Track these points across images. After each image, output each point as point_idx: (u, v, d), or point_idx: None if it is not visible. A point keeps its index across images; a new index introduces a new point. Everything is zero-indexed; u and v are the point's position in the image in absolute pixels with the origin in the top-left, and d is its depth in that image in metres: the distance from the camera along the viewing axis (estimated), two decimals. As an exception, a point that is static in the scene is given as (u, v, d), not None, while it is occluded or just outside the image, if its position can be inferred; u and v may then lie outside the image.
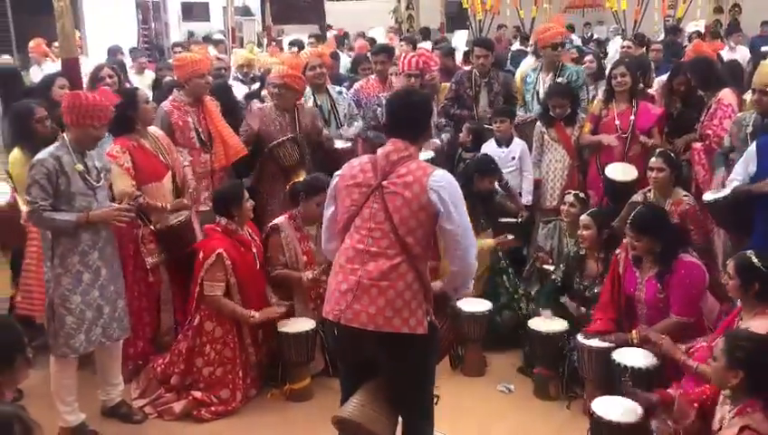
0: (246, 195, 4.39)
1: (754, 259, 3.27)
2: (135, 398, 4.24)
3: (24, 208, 3.92)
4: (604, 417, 3.30)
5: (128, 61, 10.00)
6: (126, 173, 4.25)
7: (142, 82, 8.61)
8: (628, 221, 3.97)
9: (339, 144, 5.60)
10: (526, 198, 5.67)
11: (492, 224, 5.18)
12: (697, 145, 5.00)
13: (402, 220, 2.80)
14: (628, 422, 3.25)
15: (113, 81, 5.67)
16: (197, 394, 4.16)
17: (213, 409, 4.12)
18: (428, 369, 3.02)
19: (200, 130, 4.96)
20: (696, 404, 3.05)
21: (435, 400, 3.12)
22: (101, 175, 3.84)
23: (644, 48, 8.79)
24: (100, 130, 3.77)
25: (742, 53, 9.27)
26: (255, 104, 5.48)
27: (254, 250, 4.38)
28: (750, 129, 4.38)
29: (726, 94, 5.04)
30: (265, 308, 4.32)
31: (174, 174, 4.54)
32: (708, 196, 4.31)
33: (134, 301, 4.32)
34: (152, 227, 4.36)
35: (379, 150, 2.97)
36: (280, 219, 4.56)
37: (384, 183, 2.86)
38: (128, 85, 6.46)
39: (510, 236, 5.05)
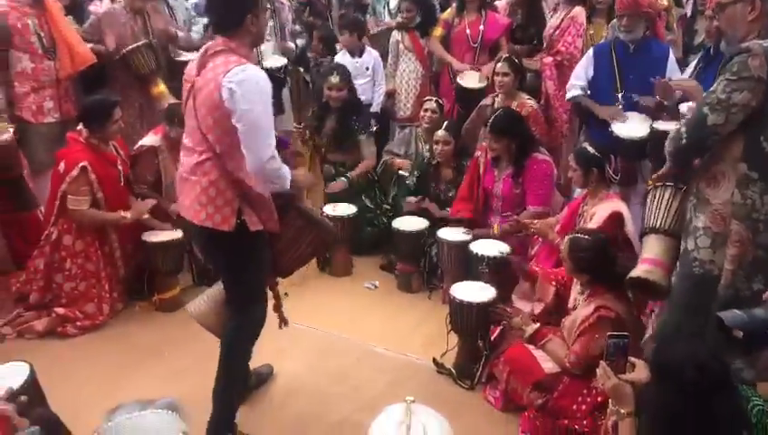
0: (117, 115, 4.11)
1: (589, 148, 3.71)
2: (-12, 320, 4.03)
3: None
4: (463, 299, 3.59)
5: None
6: None
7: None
8: (489, 124, 4.29)
9: (185, 57, 5.20)
10: (376, 108, 5.78)
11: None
12: (548, 59, 5.16)
13: (202, 117, 2.77)
14: (482, 301, 3.56)
15: None
16: (60, 310, 4.03)
17: (79, 324, 4.02)
18: (242, 266, 2.97)
19: (42, 34, 4.54)
20: (553, 282, 3.45)
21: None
22: None
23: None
24: None
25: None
26: (98, 6, 5.07)
27: (120, 167, 4.22)
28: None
29: (579, 13, 5.12)
30: (134, 207, 4.20)
31: None
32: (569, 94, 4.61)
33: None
34: None
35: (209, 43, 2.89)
36: (156, 140, 4.37)
37: (197, 78, 2.82)
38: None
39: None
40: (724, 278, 2.65)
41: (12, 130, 4.17)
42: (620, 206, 3.53)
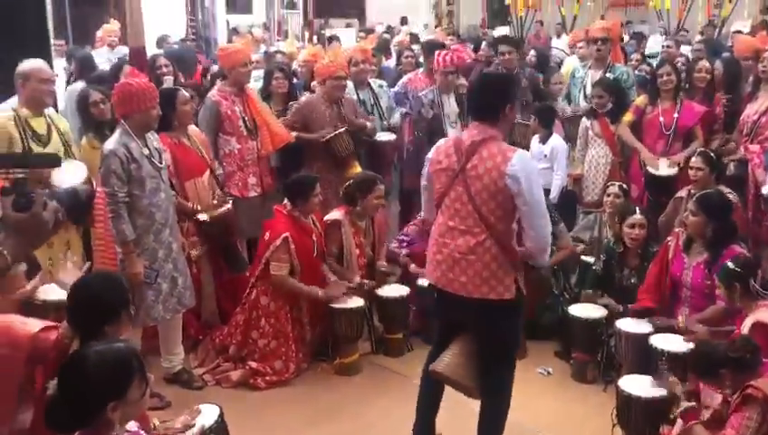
0: (317, 190, 4.57)
1: (730, 264, 3.54)
2: (195, 367, 4.51)
3: (98, 189, 4.10)
4: (631, 393, 3.48)
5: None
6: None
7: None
8: (694, 198, 4.19)
9: (382, 136, 5.80)
10: (553, 196, 5.75)
11: None
12: (755, 147, 4.93)
13: (483, 202, 3.11)
14: (653, 397, 3.42)
15: (168, 69, 5.87)
16: (253, 364, 4.42)
17: (267, 378, 4.38)
18: (514, 330, 3.37)
19: (246, 118, 5.10)
20: (719, 389, 3.23)
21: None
22: (162, 156, 4.07)
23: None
24: (158, 109, 3.95)
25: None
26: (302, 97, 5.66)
27: (315, 238, 4.62)
28: None
29: None
30: (329, 288, 4.56)
31: (212, 170, 4.71)
32: (764, 189, 4.52)
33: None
34: (197, 218, 4.48)
35: (464, 133, 3.19)
36: (339, 215, 4.75)
37: (467, 166, 3.11)
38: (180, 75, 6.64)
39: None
40: None
41: (231, 200, 4.73)
42: (764, 315, 3.27)
